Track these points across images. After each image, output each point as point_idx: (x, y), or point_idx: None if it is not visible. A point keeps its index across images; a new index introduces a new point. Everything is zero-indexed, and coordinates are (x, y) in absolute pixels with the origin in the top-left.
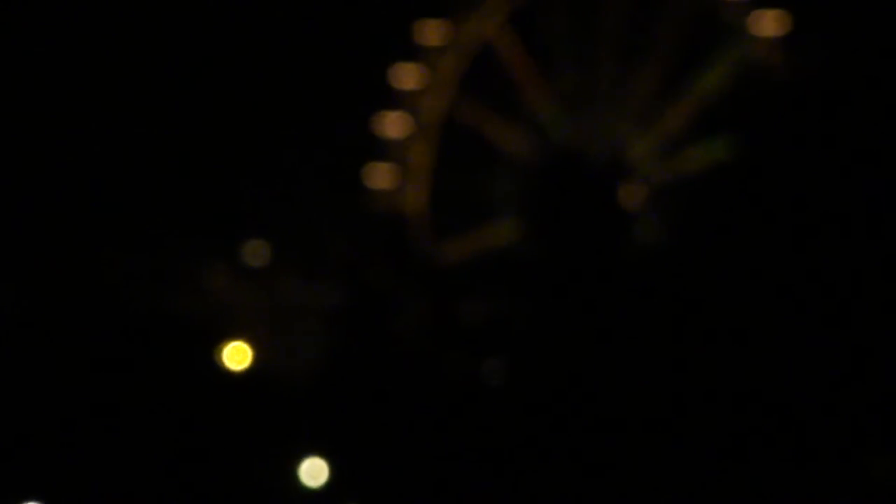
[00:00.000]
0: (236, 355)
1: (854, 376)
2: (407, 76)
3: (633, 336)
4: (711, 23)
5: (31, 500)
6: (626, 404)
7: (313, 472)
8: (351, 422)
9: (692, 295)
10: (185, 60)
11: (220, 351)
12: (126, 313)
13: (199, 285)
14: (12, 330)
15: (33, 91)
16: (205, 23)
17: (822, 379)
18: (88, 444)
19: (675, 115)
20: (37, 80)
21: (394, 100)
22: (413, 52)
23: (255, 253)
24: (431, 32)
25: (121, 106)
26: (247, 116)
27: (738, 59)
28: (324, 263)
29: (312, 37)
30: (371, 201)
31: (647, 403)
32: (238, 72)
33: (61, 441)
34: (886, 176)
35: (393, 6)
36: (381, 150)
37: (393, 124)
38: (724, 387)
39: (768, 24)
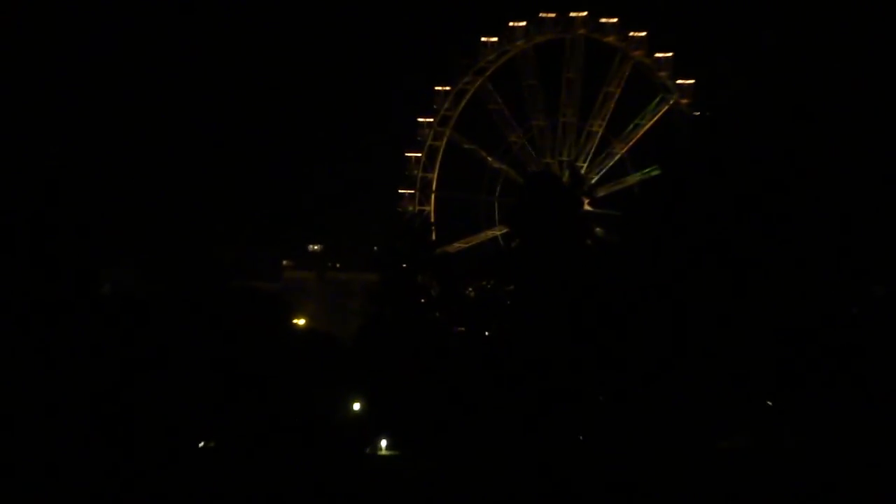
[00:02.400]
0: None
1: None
2: (424, 128)
3: (594, 310)
4: (647, 79)
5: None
6: (583, 356)
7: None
8: (384, 367)
9: (633, 273)
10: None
11: (291, 316)
12: (232, 289)
13: (277, 272)
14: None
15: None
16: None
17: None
18: (208, 372)
19: (619, 149)
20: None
21: (417, 144)
22: (430, 110)
23: (315, 249)
24: (439, 99)
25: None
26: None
27: (666, 104)
28: (365, 256)
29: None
30: (403, 214)
31: (597, 351)
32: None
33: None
34: (773, 187)
35: (417, 78)
36: (409, 180)
37: (416, 163)
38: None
39: (686, 78)
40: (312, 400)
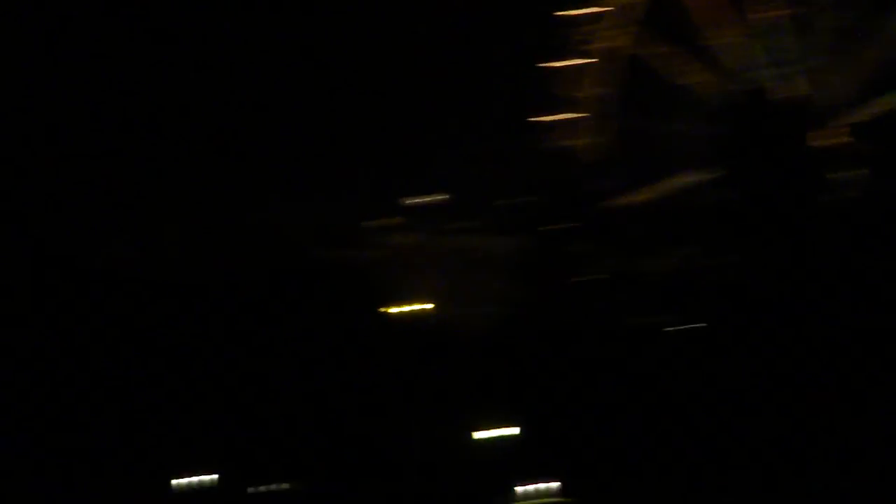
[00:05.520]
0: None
1: None
2: (586, 17)
3: (835, 288)
4: None
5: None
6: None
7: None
8: (549, 372)
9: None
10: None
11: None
12: (304, 263)
13: (374, 236)
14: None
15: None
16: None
17: None
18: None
19: (873, 53)
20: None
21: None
22: None
23: (431, 205)
24: None
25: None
26: (419, 70)
27: None
28: (497, 214)
29: None
30: (546, 144)
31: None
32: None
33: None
34: None
35: None
36: (565, 102)
37: (582, 75)
38: None
39: None
40: (431, 424)
